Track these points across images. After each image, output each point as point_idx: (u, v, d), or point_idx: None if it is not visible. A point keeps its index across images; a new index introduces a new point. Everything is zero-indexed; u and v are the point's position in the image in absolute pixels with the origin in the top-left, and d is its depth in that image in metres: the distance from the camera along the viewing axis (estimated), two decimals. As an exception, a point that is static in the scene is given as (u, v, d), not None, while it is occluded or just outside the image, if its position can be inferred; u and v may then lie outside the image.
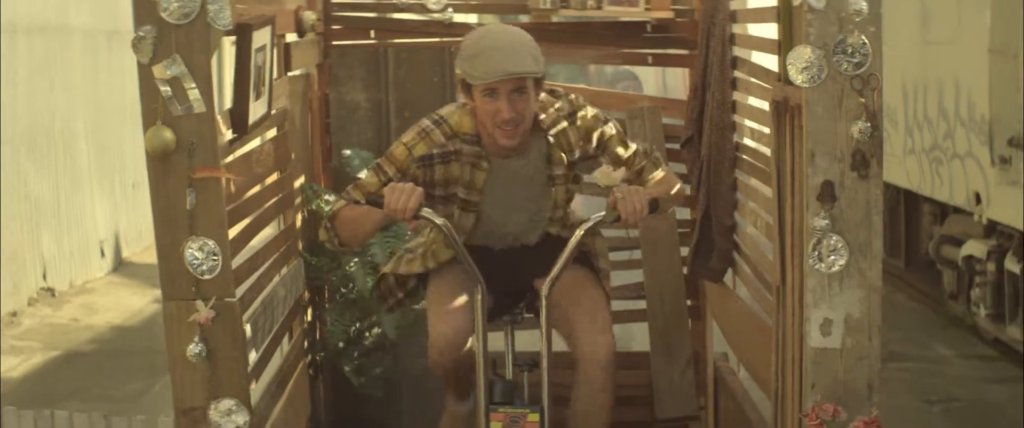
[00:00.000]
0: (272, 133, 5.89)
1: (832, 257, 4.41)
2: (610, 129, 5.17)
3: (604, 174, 4.95)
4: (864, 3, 4.32)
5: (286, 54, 6.10)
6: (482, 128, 5.01)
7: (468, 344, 5.13)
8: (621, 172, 4.98)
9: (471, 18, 12.38)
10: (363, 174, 5.22)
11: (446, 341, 5.05)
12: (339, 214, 5.08)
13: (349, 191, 5.12)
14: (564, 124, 5.10)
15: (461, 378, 5.28)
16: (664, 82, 22.45)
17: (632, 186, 4.91)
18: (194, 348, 4.58)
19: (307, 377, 6.14)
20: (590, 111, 5.16)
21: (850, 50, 4.30)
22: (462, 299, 5.11)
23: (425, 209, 4.80)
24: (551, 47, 6.21)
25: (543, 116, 5.08)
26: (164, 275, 4.60)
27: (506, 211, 5.19)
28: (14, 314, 11.10)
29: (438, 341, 5.07)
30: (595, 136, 5.11)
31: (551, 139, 5.09)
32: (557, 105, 5.12)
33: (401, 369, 6.49)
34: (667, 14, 6.88)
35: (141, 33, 4.44)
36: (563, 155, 5.11)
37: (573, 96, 5.20)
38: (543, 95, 5.07)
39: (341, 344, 6.35)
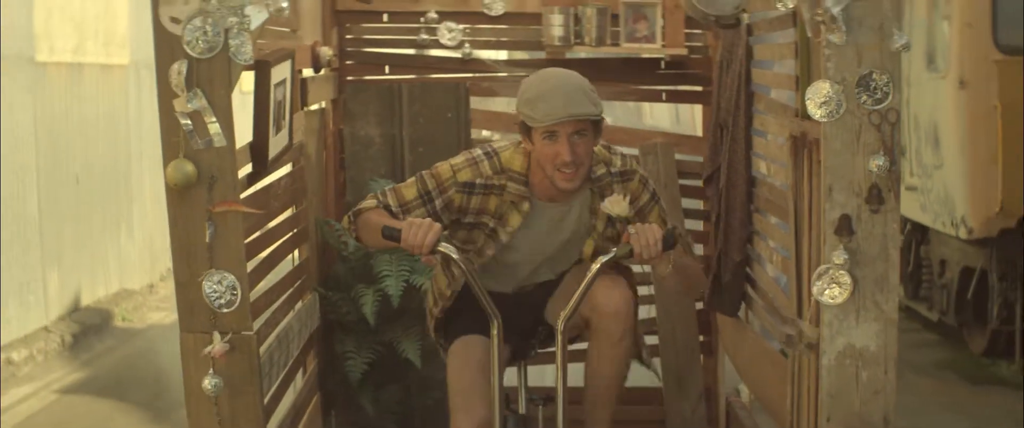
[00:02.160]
0: (288, 168, 5.91)
1: (834, 288, 4.41)
2: (653, 202, 5.14)
3: (614, 202, 4.93)
4: (905, 37, 4.35)
5: (302, 89, 6.11)
6: (539, 170, 4.96)
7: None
8: (633, 201, 4.99)
9: (500, 55, 12.52)
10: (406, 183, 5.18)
11: None
12: (364, 216, 5.03)
13: (386, 192, 5.08)
14: (612, 181, 5.07)
15: None
16: (677, 116, 22.53)
17: (646, 224, 4.90)
18: (210, 381, 4.58)
19: (320, 411, 6.14)
20: (639, 176, 5.13)
21: (872, 86, 4.32)
22: (482, 386, 5.02)
23: (442, 244, 4.75)
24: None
25: (594, 167, 5.04)
26: (182, 308, 4.59)
27: (531, 254, 5.17)
28: (151, 286, 14.80)
29: None
30: (638, 203, 5.06)
31: (597, 192, 5.08)
32: (610, 160, 5.11)
33: (414, 401, 6.49)
34: (681, 51, 6.91)
35: (179, 68, 4.45)
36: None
37: (628, 157, 5.18)
38: (597, 148, 5.04)
39: (358, 376, 6.33)
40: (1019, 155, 9.71)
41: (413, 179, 5.10)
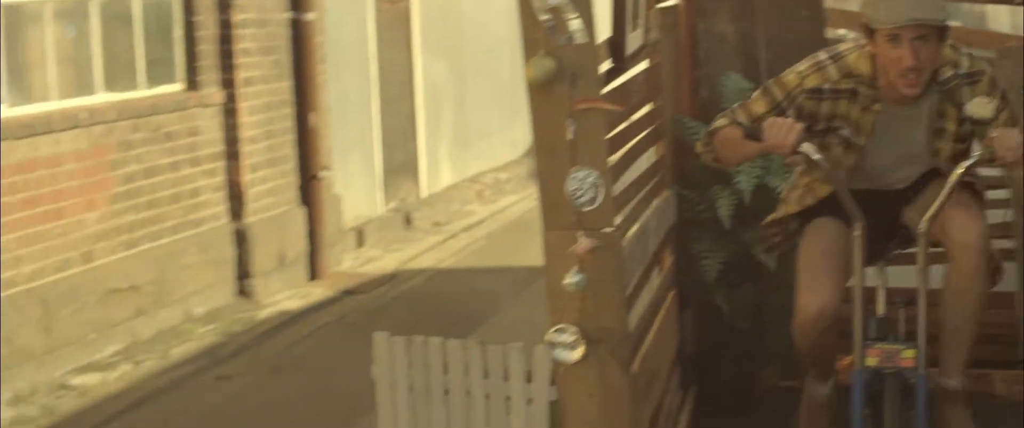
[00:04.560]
0: (644, 65, 5.84)
1: None
2: (1004, 103, 4.95)
3: (979, 104, 4.79)
4: None
5: (656, -15, 6.03)
6: (881, 74, 4.85)
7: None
8: (994, 103, 4.81)
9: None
10: (752, 95, 5.11)
11: (810, 319, 4.94)
12: (720, 133, 5.02)
13: (734, 110, 5.05)
14: (960, 82, 4.91)
15: (822, 358, 5.14)
16: (1013, 22, 21.70)
17: (1009, 128, 4.74)
18: (572, 278, 4.55)
19: (676, 308, 6.09)
20: (988, 77, 4.96)
21: None
22: (832, 269, 4.97)
23: (804, 144, 4.69)
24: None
25: (941, 69, 4.89)
26: (545, 205, 4.57)
27: (888, 158, 5.06)
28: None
29: (803, 317, 4.97)
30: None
31: (945, 94, 4.91)
32: (957, 62, 4.93)
33: (768, 301, 6.39)
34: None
35: None
36: (954, 111, 4.93)
37: (976, 57, 5.00)
38: (945, 49, 4.87)
39: (714, 275, 6.25)
40: None
41: (759, 92, 5.06)
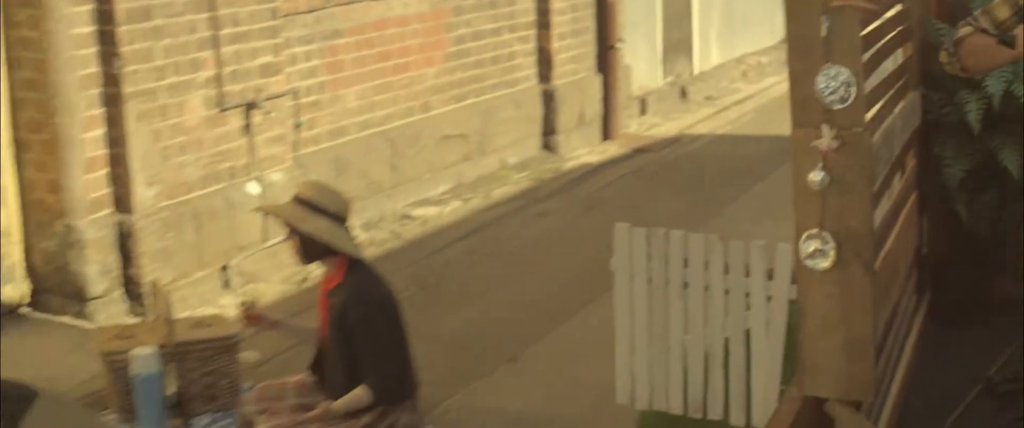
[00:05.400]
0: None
1: None
2: None
3: None
4: None
5: None
6: None
7: None
8: None
9: None
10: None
11: None
12: (967, 41, 3.50)
13: (977, 16, 3.53)
14: None
15: None
16: None
17: None
18: (816, 176, 3.25)
19: (916, 211, 4.62)
20: None
21: None
22: None
23: None
24: None
25: None
26: (795, 101, 3.28)
27: None
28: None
29: None
30: None
31: None
32: None
33: (1008, 209, 4.78)
34: None
35: None
36: None
37: None
38: None
39: (956, 181, 4.64)
40: None
41: None
